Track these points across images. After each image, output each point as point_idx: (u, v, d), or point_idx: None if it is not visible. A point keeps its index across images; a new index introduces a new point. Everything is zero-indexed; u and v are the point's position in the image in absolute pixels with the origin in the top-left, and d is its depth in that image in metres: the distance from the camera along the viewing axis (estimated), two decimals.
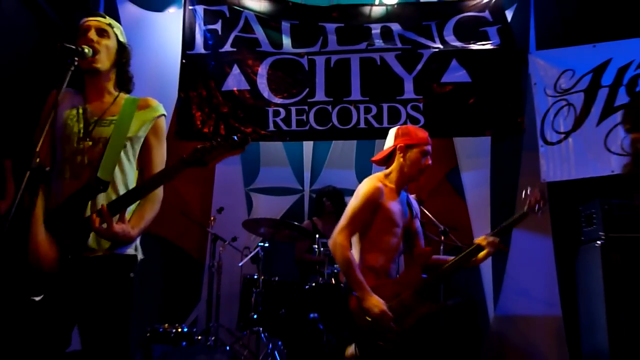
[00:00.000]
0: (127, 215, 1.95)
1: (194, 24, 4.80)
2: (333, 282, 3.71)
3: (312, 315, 3.34)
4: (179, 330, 3.59)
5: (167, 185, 5.22)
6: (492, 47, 4.58)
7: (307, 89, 4.62)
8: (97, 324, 1.90)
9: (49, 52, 3.99)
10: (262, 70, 4.68)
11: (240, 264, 4.19)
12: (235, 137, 1.82)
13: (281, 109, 4.60)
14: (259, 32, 4.77)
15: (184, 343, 3.57)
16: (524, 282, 4.65)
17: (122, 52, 2.11)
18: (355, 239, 2.68)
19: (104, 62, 2.04)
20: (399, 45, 4.67)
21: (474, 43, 4.61)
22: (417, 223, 2.84)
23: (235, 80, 4.70)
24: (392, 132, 2.87)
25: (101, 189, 1.90)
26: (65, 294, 1.87)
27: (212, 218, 4.43)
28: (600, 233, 3.81)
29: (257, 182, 5.20)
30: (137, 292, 4.54)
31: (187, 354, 3.33)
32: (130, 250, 2.05)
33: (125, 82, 2.14)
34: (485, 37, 4.63)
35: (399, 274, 2.81)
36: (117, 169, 1.99)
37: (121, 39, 2.13)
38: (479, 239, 2.65)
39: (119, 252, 1.98)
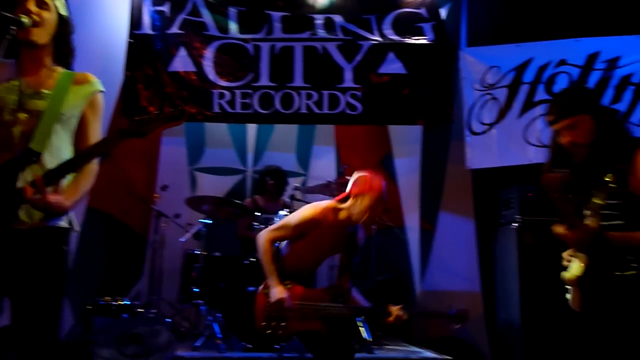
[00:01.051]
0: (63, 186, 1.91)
1: (142, 3, 4.87)
2: None
3: (250, 288, 3.56)
4: (120, 302, 3.73)
5: (113, 163, 5.31)
6: (426, 42, 4.90)
7: (252, 74, 4.81)
8: (28, 298, 1.87)
9: None
10: (209, 53, 4.83)
11: (181, 240, 4.35)
12: (173, 110, 1.89)
13: (226, 92, 4.77)
14: (207, 16, 4.89)
15: (125, 315, 3.72)
16: (447, 260, 5.05)
17: (63, 26, 2.04)
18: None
19: (42, 35, 1.97)
20: (340, 36, 4.92)
21: (410, 37, 4.91)
22: (355, 258, 2.99)
23: (181, 62, 4.82)
24: (353, 177, 2.97)
25: (33, 160, 1.88)
26: None
27: (156, 195, 4.56)
28: (517, 216, 4.21)
29: (202, 162, 5.36)
30: (78, 266, 4.66)
31: (127, 325, 3.46)
32: (63, 223, 1.98)
33: (64, 56, 2.08)
34: (420, 33, 4.94)
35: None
36: (50, 141, 1.94)
37: (62, 11, 2.04)
38: (392, 308, 2.72)
39: (51, 224, 1.92)
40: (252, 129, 5.45)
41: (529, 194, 4.32)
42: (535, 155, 4.46)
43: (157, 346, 3.38)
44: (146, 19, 4.85)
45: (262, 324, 2.77)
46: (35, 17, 1.92)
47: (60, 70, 2.06)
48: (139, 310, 3.92)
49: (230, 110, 4.76)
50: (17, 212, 1.82)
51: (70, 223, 2.01)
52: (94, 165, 2.06)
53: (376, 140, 5.45)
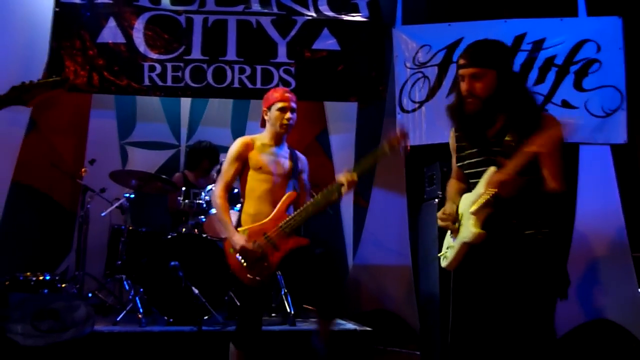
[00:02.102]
0: None
1: None
2: (196, 232, 3.96)
3: (172, 263, 3.57)
4: (40, 278, 3.67)
5: (40, 136, 5.19)
6: (361, 19, 4.93)
7: (184, 47, 4.73)
8: None
9: None
10: (139, 24, 4.72)
11: (103, 214, 4.29)
12: (55, 77, 1.90)
13: (157, 65, 4.68)
14: None
15: (46, 290, 3.67)
16: (380, 235, 5.16)
17: None
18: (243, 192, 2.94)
19: None
20: (275, 10, 4.88)
21: (345, 14, 4.92)
22: (302, 176, 3.06)
23: (111, 33, 4.70)
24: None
25: None
26: None
27: (83, 169, 4.47)
28: (439, 192, 4.31)
29: (133, 136, 5.27)
30: (3, 242, 4.55)
31: (45, 300, 3.41)
32: None
33: None
34: (355, 9, 4.95)
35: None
36: None
37: None
38: (340, 177, 2.75)
39: None
40: (186, 103, 5.38)
41: None
42: None
43: (74, 321, 3.35)
44: None
45: (249, 276, 2.70)
46: None
47: None
48: (61, 285, 3.86)
49: (160, 83, 4.68)
50: None
51: None
52: None
53: (312, 117, 5.47)
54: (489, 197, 2.12)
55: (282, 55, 4.83)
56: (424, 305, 4.39)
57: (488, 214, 2.20)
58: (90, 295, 4.08)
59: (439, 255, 2.45)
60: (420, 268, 4.53)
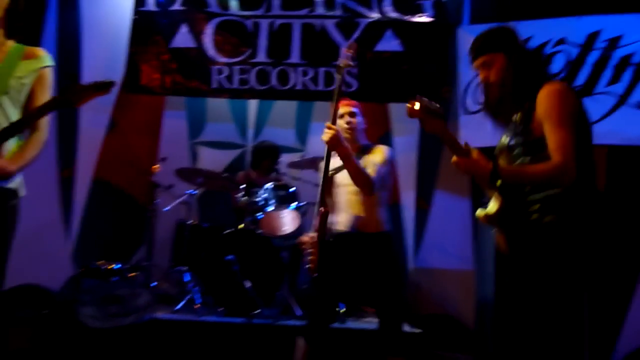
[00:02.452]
0: (9, 153, 2.13)
1: None
2: (252, 228, 4.10)
3: (228, 257, 3.73)
4: (111, 267, 3.96)
5: (118, 135, 5.55)
6: (426, 19, 4.88)
7: (250, 50, 4.92)
8: None
9: None
10: (209, 30, 4.96)
11: (165, 209, 4.56)
12: (101, 81, 2.05)
13: (224, 68, 4.90)
14: None
15: (115, 278, 3.95)
16: (442, 238, 5.08)
17: (15, 2, 2.17)
18: None
19: None
20: (339, 13, 4.95)
21: (409, 15, 4.90)
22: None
23: (183, 38, 4.98)
24: None
25: None
26: None
27: (154, 167, 4.74)
28: None
29: (203, 136, 5.53)
30: (84, 233, 4.91)
31: (112, 287, 3.69)
32: (11, 185, 2.17)
33: (16, 31, 2.24)
34: (420, 10, 4.91)
35: None
36: None
37: None
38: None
39: (0, 185, 2.12)
40: (252, 104, 5.57)
41: None
42: None
43: (136, 307, 3.59)
44: None
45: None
46: None
47: (11, 44, 2.21)
48: (129, 274, 4.14)
49: (228, 85, 4.90)
50: None
51: (17, 185, 2.21)
52: (42, 135, 2.22)
53: (375, 118, 5.45)
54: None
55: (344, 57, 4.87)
56: (480, 309, 4.29)
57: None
58: (154, 284, 4.33)
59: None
60: (477, 273, 4.42)
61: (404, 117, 5.53)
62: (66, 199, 5.07)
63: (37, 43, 4.94)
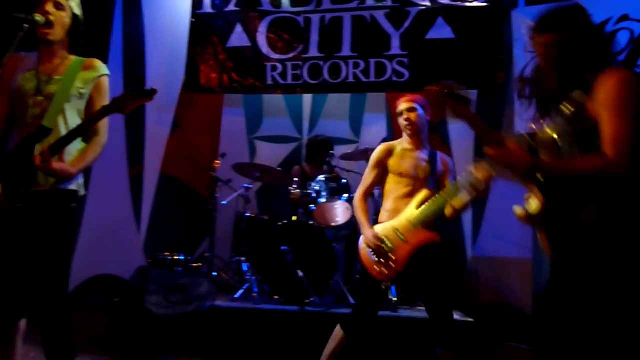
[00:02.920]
0: (72, 156, 2.32)
1: None
2: (305, 220, 4.22)
3: (282, 247, 3.88)
4: (175, 257, 4.21)
5: (180, 133, 5.84)
6: (479, 4, 4.80)
7: (302, 46, 5.04)
8: (39, 246, 2.22)
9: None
10: (262, 28, 5.13)
11: (223, 203, 4.78)
12: (144, 89, 2.21)
13: (278, 64, 5.05)
14: None
15: (180, 269, 4.20)
16: (501, 226, 4.99)
17: (76, 23, 2.40)
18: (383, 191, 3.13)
19: (58, 33, 2.33)
20: (389, 3, 4.96)
21: (461, 1, 4.84)
22: (446, 176, 3.07)
23: (238, 38, 5.18)
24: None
25: (45, 134, 2.26)
26: (17, 220, 2.24)
27: (215, 162, 4.97)
28: None
29: (260, 131, 5.72)
30: (154, 226, 5.20)
31: (175, 277, 3.94)
32: (72, 186, 2.34)
33: (77, 47, 2.47)
34: None
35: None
36: (60, 118, 2.32)
37: (76, 11, 2.40)
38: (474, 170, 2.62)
39: (62, 187, 2.29)
40: (307, 98, 5.68)
41: None
42: None
43: (198, 295, 3.81)
44: None
45: (375, 268, 2.88)
46: (51, 17, 2.31)
47: (72, 58, 2.45)
48: (193, 265, 4.39)
49: (281, 81, 5.05)
50: (35, 177, 2.24)
51: (78, 187, 2.40)
52: (101, 138, 2.43)
53: (431, 106, 5.44)
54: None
55: (395, 48, 4.90)
56: (537, 298, 4.21)
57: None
58: (215, 274, 4.56)
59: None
60: (534, 259, 4.34)
61: None
62: (136, 195, 5.42)
63: (105, 49, 5.35)
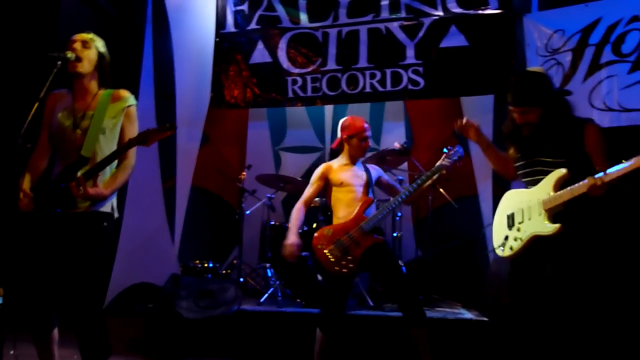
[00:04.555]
0: (106, 176, 2.65)
1: (226, 5, 5.56)
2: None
3: (303, 253, 4.10)
4: (205, 265, 4.48)
5: (209, 147, 6.19)
6: (490, 11, 4.92)
7: (320, 59, 5.25)
8: (76, 261, 2.51)
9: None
10: (282, 44, 5.37)
11: (247, 212, 5.02)
12: (165, 125, 2.53)
13: (298, 78, 5.28)
14: (280, 10, 5.43)
15: (210, 275, 4.46)
16: None
17: (102, 59, 2.76)
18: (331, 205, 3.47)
19: (85, 66, 2.67)
20: (404, 14, 5.13)
21: (473, 9, 4.97)
22: (382, 179, 3.56)
23: (260, 54, 5.43)
24: (339, 124, 3.58)
25: (84, 163, 2.59)
26: (55, 239, 2.55)
27: (242, 174, 5.23)
28: None
29: (284, 143, 5.97)
30: (186, 236, 5.49)
31: (204, 282, 4.20)
32: (105, 208, 2.66)
33: (105, 81, 2.80)
34: (484, 3, 4.95)
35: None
36: (97, 148, 2.64)
37: (101, 50, 2.77)
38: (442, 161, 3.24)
39: (96, 209, 2.62)
40: (328, 109, 5.90)
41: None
42: (600, 119, 4.33)
43: (225, 300, 4.06)
44: (230, 18, 5.54)
45: (336, 268, 3.14)
46: (80, 53, 2.68)
47: (102, 91, 2.78)
48: (222, 271, 4.64)
49: (302, 94, 5.27)
50: (74, 200, 2.56)
51: (111, 208, 2.73)
52: (130, 162, 2.74)
53: (448, 112, 5.57)
54: (570, 197, 2.44)
55: (410, 57, 5.06)
56: None
57: (558, 210, 2.49)
58: (242, 280, 4.81)
59: (496, 246, 2.66)
60: None
61: (477, 110, 5.64)
62: (170, 207, 5.71)
63: (138, 71, 5.69)
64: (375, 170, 3.56)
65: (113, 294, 5.28)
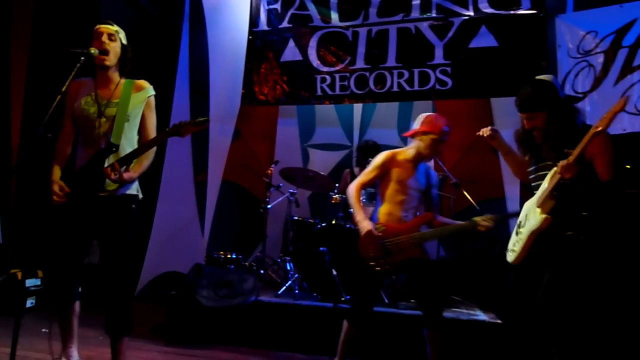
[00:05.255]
0: (132, 163, 2.81)
1: (260, 4, 5.68)
2: (342, 223, 4.48)
3: (321, 248, 4.18)
4: (228, 256, 4.62)
5: (240, 142, 6.37)
6: (522, 12, 4.85)
7: (349, 58, 5.30)
8: (109, 240, 2.76)
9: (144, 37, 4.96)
10: (313, 42, 5.45)
11: (269, 207, 5.13)
12: (200, 119, 2.66)
13: (327, 76, 5.35)
14: (312, 9, 5.51)
15: (232, 267, 4.60)
16: None
17: (125, 51, 2.92)
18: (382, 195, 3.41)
19: (112, 59, 2.85)
20: (434, 14, 5.12)
21: (505, 9, 4.91)
22: (433, 191, 3.43)
23: (290, 52, 5.53)
24: (421, 117, 3.43)
25: (114, 150, 2.79)
26: (86, 220, 2.78)
27: (269, 169, 5.35)
28: None
29: (313, 140, 6.06)
30: (216, 228, 5.65)
31: (225, 273, 4.33)
32: (131, 191, 2.88)
33: (126, 71, 2.96)
34: (516, 3, 4.88)
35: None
36: (123, 135, 2.81)
37: (124, 42, 2.92)
38: (478, 219, 3.13)
39: (123, 192, 2.84)
40: (357, 108, 5.95)
41: (626, 166, 4.16)
42: (631, 124, 4.24)
43: (243, 290, 4.18)
44: (262, 16, 5.65)
45: (371, 263, 3.19)
46: (107, 46, 2.85)
47: (123, 81, 2.95)
48: (245, 263, 4.77)
49: (330, 92, 5.33)
50: (103, 184, 2.76)
51: (137, 190, 2.93)
52: (152, 149, 2.89)
53: (477, 113, 5.53)
54: (552, 185, 2.50)
55: (438, 57, 5.04)
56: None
57: (552, 205, 2.53)
58: (262, 272, 4.92)
59: (507, 252, 2.69)
60: None
61: (506, 111, 5.61)
62: (200, 200, 5.90)
63: (174, 66, 5.89)
64: (434, 178, 3.46)
65: (145, 281, 5.50)
